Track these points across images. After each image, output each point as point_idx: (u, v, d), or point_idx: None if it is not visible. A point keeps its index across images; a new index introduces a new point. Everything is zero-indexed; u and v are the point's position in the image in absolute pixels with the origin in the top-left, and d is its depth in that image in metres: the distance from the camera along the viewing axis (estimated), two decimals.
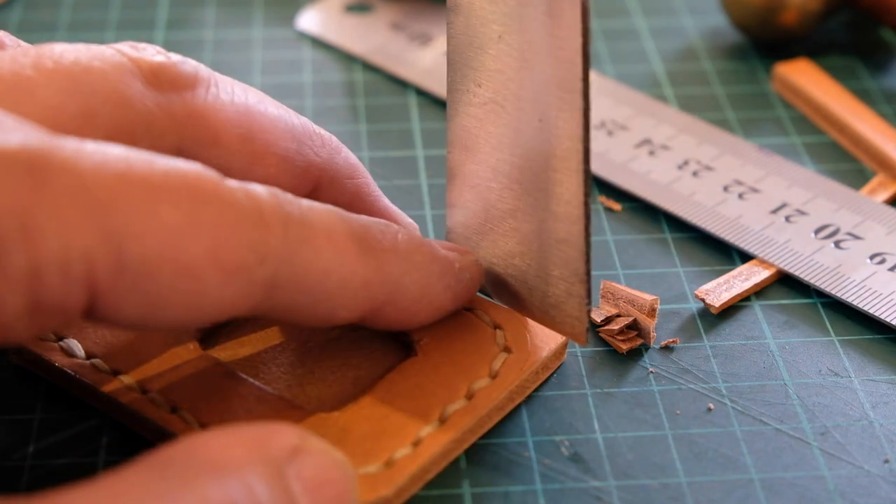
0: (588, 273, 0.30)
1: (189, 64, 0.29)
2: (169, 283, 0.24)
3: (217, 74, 0.30)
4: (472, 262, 0.31)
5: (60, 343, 0.31)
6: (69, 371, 0.30)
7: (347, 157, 0.32)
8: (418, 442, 0.29)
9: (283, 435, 0.25)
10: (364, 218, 0.29)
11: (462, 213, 0.32)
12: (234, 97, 0.29)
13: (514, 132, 0.30)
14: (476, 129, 0.31)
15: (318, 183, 0.31)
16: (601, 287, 0.34)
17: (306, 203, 0.27)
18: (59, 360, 0.31)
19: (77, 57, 0.27)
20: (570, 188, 0.29)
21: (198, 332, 0.31)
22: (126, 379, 0.30)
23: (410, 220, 0.33)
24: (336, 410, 0.29)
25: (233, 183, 0.25)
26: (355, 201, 0.32)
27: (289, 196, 0.27)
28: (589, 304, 0.30)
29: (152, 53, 0.28)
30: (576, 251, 0.30)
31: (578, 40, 0.27)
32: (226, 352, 0.31)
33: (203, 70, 0.29)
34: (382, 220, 0.29)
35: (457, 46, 0.31)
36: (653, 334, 0.33)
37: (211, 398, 0.29)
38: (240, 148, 0.29)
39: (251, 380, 0.30)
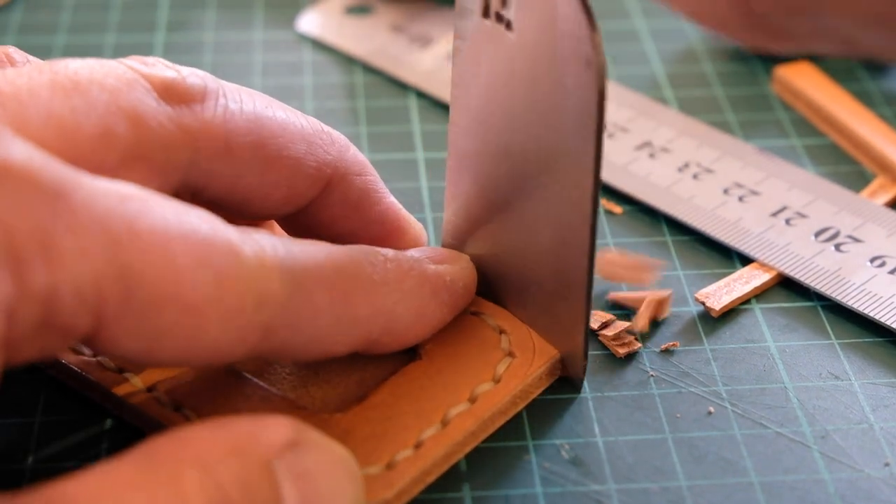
0: (588, 306, 0.30)
1: (197, 76, 0.29)
2: (171, 320, 0.25)
3: (224, 83, 0.30)
4: (463, 269, 0.31)
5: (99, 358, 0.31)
6: (76, 368, 0.30)
7: (356, 155, 0.32)
8: (420, 444, 0.29)
9: (276, 428, 0.25)
10: (354, 250, 0.29)
11: (460, 223, 0.33)
12: (243, 105, 0.30)
13: (516, 161, 0.30)
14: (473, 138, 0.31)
15: (330, 181, 0.31)
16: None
17: (298, 246, 0.27)
18: (67, 358, 0.31)
19: (91, 74, 0.27)
20: (576, 226, 0.29)
21: None
22: (131, 377, 0.30)
23: (415, 221, 0.33)
24: (339, 412, 0.29)
25: (238, 230, 0.26)
26: (364, 198, 0.32)
27: (282, 241, 0.27)
28: (586, 354, 0.31)
29: (162, 68, 0.29)
30: (578, 303, 0.30)
31: (592, 123, 0.28)
32: None
33: (211, 81, 0.29)
34: (371, 249, 0.29)
35: (461, 73, 0.31)
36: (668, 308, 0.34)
37: (215, 397, 0.30)
38: (252, 155, 0.29)
39: (255, 380, 0.30)
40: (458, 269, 0.31)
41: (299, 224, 0.32)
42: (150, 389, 0.30)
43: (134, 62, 0.29)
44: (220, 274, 0.25)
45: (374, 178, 0.32)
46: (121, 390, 0.30)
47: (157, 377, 0.30)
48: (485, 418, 0.30)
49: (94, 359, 0.31)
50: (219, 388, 0.30)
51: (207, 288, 0.25)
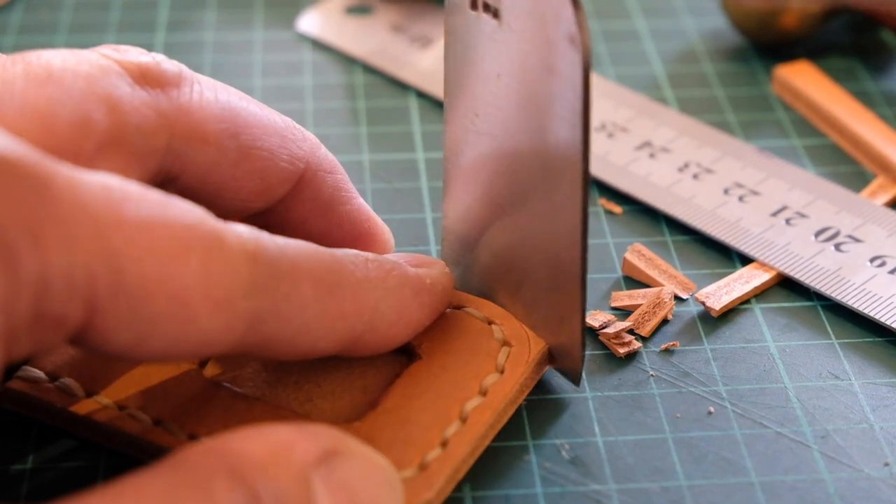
0: (583, 312, 0.30)
1: (173, 63, 0.29)
2: (161, 309, 0.25)
3: (198, 75, 0.30)
4: (441, 273, 0.31)
5: (56, 383, 0.30)
6: (96, 419, 0.30)
7: (327, 154, 0.32)
8: (446, 443, 0.29)
9: (314, 438, 0.25)
10: (335, 250, 0.29)
11: (458, 223, 0.33)
12: (218, 94, 0.30)
13: (510, 160, 0.30)
14: (471, 145, 0.31)
15: (302, 176, 0.31)
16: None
17: (282, 240, 0.27)
18: (59, 400, 0.30)
19: (64, 63, 0.27)
20: (567, 214, 0.29)
21: (198, 362, 0.31)
22: (140, 415, 0.30)
23: (384, 224, 0.33)
24: (356, 421, 0.29)
25: (219, 221, 0.26)
26: (335, 197, 0.32)
27: (265, 233, 0.27)
28: (584, 344, 0.30)
29: (136, 54, 0.29)
30: (573, 306, 0.30)
31: (579, 103, 0.27)
32: (225, 377, 0.31)
33: (186, 69, 0.30)
34: (351, 251, 0.29)
35: (454, 70, 0.31)
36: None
37: (229, 424, 0.29)
38: (227, 144, 0.30)
39: (263, 401, 0.30)
40: (437, 273, 0.31)
41: (270, 224, 0.32)
42: (157, 423, 0.29)
43: (107, 49, 0.29)
44: (205, 260, 0.25)
45: (344, 178, 0.33)
46: (132, 429, 0.29)
47: (165, 412, 0.30)
48: (500, 409, 0.30)
49: (88, 398, 0.30)
50: (231, 414, 0.29)
51: (194, 274, 0.25)
